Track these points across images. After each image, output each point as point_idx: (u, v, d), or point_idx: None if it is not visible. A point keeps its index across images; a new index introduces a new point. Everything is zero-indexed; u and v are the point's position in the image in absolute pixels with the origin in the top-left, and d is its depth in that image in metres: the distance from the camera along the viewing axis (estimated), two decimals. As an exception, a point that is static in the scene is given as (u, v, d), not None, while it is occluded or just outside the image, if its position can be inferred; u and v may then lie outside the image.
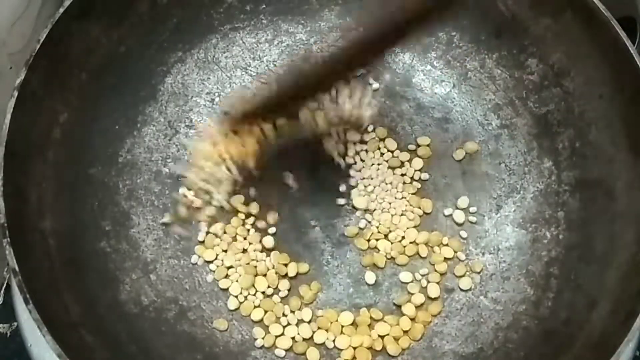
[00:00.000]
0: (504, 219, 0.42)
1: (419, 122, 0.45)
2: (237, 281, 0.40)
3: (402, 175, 0.43)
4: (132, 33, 0.42)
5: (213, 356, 0.38)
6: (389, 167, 0.44)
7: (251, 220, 0.42)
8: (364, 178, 0.43)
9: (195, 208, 0.41)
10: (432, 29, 0.45)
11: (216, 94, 0.45)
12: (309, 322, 0.40)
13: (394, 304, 0.40)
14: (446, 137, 0.44)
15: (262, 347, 0.39)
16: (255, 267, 0.41)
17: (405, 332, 0.39)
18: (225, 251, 0.41)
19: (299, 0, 0.46)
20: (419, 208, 0.42)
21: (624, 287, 0.35)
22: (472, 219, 0.42)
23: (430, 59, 0.46)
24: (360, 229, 0.42)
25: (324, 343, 0.39)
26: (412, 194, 0.43)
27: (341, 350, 0.39)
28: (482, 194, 0.43)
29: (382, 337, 0.39)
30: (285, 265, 0.41)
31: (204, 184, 0.41)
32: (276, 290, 0.40)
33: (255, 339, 0.39)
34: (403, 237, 0.42)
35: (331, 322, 0.39)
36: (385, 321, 0.39)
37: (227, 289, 0.40)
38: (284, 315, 0.40)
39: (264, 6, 0.46)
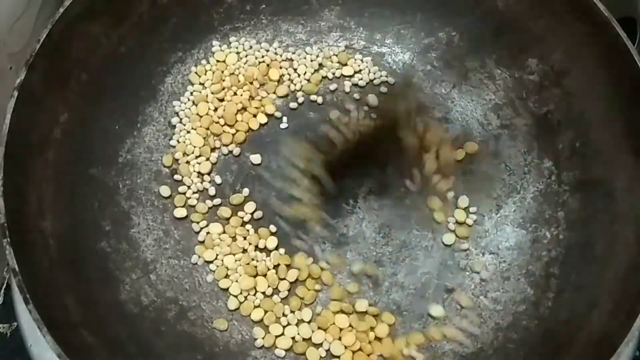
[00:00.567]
0: (504, 219, 0.42)
1: (418, 122, 0.45)
2: (237, 281, 0.40)
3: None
4: (132, 33, 0.42)
5: (213, 356, 0.38)
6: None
7: (248, 218, 0.42)
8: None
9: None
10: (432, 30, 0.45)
11: (216, 94, 0.45)
12: (309, 322, 0.40)
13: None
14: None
15: (262, 347, 0.39)
16: (256, 267, 0.41)
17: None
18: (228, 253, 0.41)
19: (299, 0, 0.46)
20: (419, 208, 0.42)
21: (624, 287, 0.35)
22: (472, 218, 0.42)
23: (430, 59, 0.46)
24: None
25: (321, 344, 0.39)
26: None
27: (339, 356, 0.39)
28: (482, 194, 0.43)
29: (379, 339, 0.39)
30: (287, 265, 0.41)
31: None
32: (276, 290, 0.40)
33: (255, 339, 0.39)
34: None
35: (330, 324, 0.39)
36: (384, 321, 0.39)
37: (227, 289, 0.40)
38: (284, 315, 0.40)
39: (264, 6, 0.46)
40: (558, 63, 0.41)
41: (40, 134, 0.37)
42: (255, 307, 0.40)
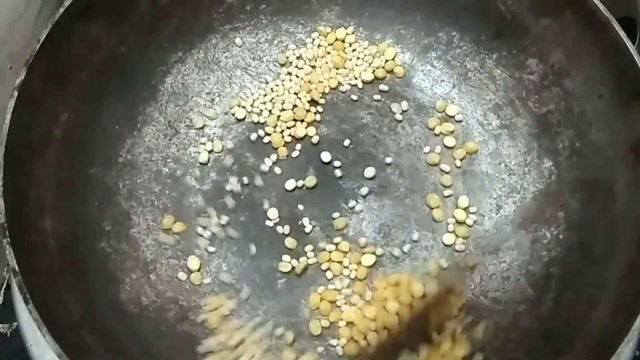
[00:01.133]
0: (504, 219, 0.42)
1: (419, 122, 0.45)
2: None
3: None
4: (132, 33, 0.42)
5: (213, 356, 0.38)
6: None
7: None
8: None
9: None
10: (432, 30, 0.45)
11: (216, 94, 0.45)
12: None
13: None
14: (446, 137, 0.44)
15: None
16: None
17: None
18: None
19: (299, 0, 0.46)
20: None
21: (624, 287, 0.35)
22: (472, 219, 0.42)
23: (430, 59, 0.46)
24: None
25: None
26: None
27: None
28: (482, 194, 0.43)
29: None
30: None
31: None
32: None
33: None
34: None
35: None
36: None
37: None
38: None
39: (264, 6, 0.46)
40: (558, 63, 0.41)
41: (40, 134, 0.37)
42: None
